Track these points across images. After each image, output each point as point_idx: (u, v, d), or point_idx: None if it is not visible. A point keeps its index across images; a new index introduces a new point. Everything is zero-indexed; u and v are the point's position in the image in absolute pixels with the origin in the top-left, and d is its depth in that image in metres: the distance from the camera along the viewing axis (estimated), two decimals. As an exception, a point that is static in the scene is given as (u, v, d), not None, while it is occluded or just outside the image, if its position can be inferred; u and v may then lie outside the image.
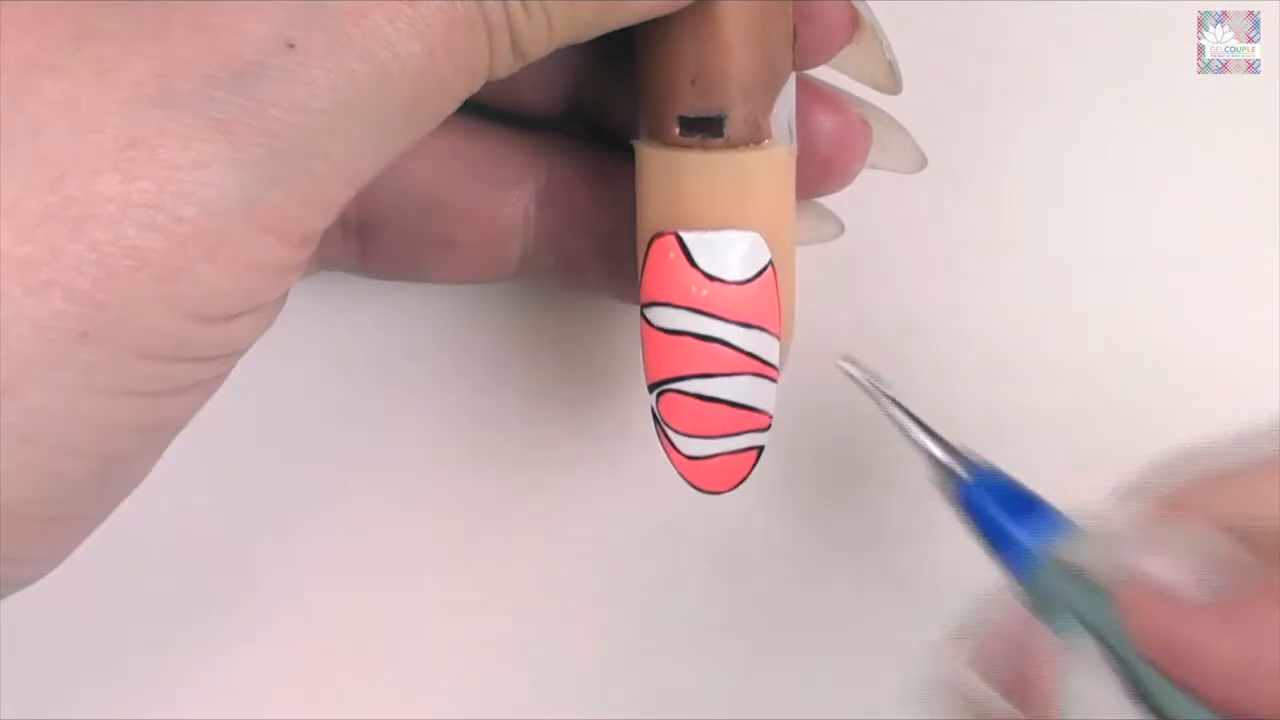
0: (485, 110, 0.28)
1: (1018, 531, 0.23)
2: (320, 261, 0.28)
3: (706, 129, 0.24)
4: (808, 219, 0.28)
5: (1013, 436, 0.32)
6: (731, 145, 0.24)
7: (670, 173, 0.25)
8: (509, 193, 0.28)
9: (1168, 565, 0.21)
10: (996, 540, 0.24)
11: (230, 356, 0.22)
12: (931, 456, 0.25)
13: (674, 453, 0.26)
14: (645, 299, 0.25)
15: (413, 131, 0.23)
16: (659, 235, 0.25)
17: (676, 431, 0.26)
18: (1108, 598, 0.22)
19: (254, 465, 0.31)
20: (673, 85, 0.24)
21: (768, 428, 0.26)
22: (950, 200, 0.32)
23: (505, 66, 0.23)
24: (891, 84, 0.28)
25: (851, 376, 0.26)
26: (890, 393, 0.26)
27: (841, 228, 0.29)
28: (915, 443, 0.25)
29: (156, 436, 0.23)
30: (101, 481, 0.22)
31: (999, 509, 0.24)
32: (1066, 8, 0.32)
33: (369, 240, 0.28)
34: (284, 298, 0.23)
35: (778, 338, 0.25)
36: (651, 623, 0.32)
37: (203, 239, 0.20)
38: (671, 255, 0.25)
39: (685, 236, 0.25)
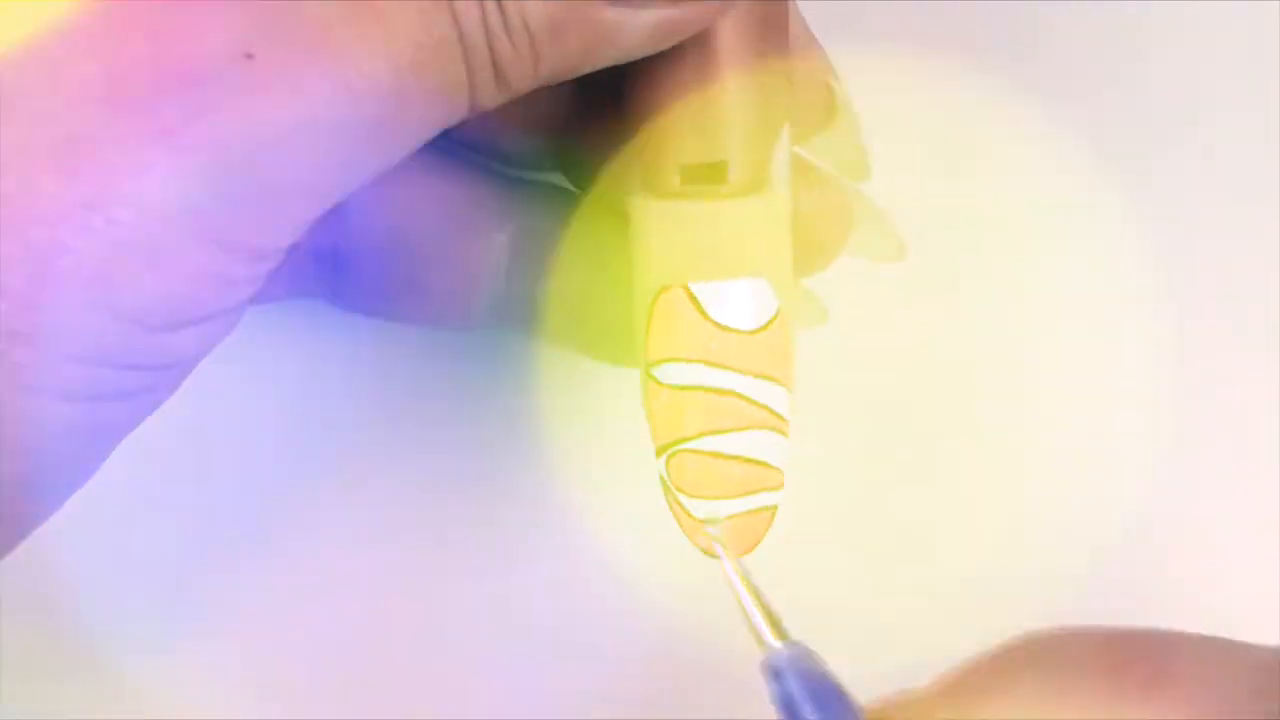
0: (461, 156, 0.28)
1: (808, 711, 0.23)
2: (295, 287, 0.27)
3: (709, 177, 0.24)
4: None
5: (994, 515, 0.32)
6: (734, 193, 0.24)
7: (672, 225, 0.24)
8: (482, 240, 0.28)
9: None
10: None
11: (176, 366, 0.22)
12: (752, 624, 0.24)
13: (687, 519, 0.25)
14: (654, 358, 0.25)
15: (382, 155, 0.22)
16: (665, 290, 0.25)
17: (690, 496, 0.25)
18: None
19: (239, 483, 0.31)
20: (672, 132, 0.24)
21: (782, 486, 0.25)
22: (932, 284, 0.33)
23: (490, 96, 0.22)
24: (863, 171, 0.28)
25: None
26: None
27: (825, 315, 0.29)
28: (742, 606, 0.24)
29: (95, 441, 0.22)
30: (36, 484, 0.21)
31: (798, 686, 0.23)
32: (1039, 85, 0.33)
33: (338, 272, 0.27)
34: (238, 310, 0.22)
35: (788, 391, 0.25)
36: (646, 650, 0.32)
37: (138, 244, 0.20)
38: (680, 308, 0.24)
39: (695, 288, 0.24)
